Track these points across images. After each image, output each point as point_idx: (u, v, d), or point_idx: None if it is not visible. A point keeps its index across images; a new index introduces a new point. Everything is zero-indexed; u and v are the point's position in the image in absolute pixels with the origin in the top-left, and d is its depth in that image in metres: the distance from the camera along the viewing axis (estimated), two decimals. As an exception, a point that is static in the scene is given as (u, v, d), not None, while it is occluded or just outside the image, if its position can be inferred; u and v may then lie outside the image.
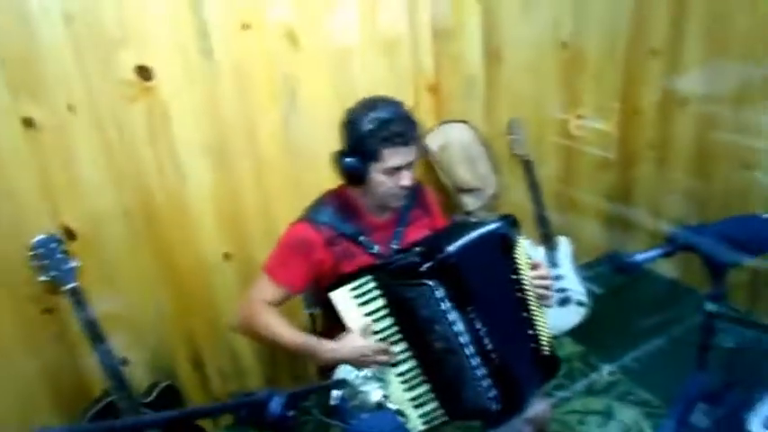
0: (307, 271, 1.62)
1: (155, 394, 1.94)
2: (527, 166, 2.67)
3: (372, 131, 1.52)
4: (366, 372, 1.28)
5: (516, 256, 1.52)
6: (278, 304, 1.66)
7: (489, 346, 1.46)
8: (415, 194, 1.75)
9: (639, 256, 1.57)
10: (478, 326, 1.45)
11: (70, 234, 1.89)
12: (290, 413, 0.92)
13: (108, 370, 1.79)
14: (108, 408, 1.83)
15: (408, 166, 1.57)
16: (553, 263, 2.67)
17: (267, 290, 1.64)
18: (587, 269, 2.97)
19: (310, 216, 1.65)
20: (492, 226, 1.51)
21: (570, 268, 2.72)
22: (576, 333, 2.71)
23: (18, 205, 1.79)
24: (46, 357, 1.94)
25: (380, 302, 1.54)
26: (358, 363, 1.47)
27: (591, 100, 2.88)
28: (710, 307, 1.55)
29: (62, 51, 1.74)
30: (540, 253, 2.64)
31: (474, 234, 1.48)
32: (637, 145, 3.03)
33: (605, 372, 2.48)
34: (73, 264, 1.75)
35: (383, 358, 1.50)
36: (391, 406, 1.25)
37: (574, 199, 3.05)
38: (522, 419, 1.57)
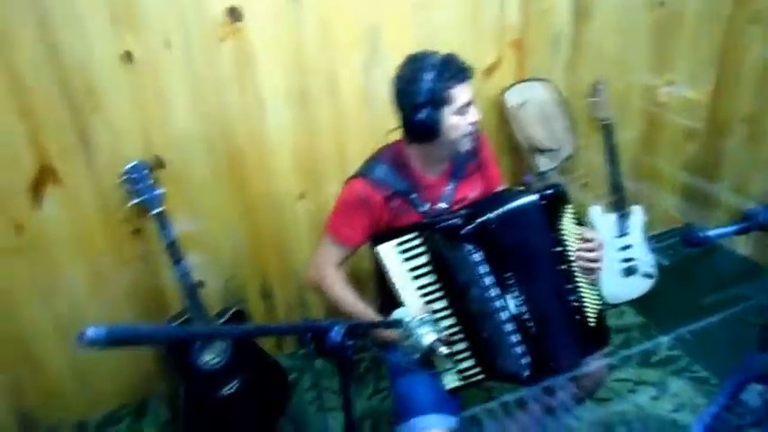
0: (368, 226, 1.65)
1: (227, 317, 2.09)
2: (606, 130, 2.59)
3: (437, 77, 1.51)
4: (423, 315, 1.34)
5: (562, 227, 1.52)
6: (344, 261, 1.72)
7: (526, 315, 1.49)
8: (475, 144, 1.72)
9: (712, 232, 1.53)
10: (516, 293, 1.48)
11: (160, 163, 2.03)
12: (349, 342, 1.00)
13: (186, 290, 1.94)
14: (184, 324, 1.99)
15: (472, 102, 1.58)
16: (623, 231, 2.62)
17: (332, 250, 1.69)
18: (658, 240, 2.90)
19: (367, 173, 1.65)
20: (533, 197, 1.49)
21: (640, 238, 2.67)
22: (638, 303, 2.68)
23: (116, 134, 1.94)
24: (131, 274, 2.14)
25: (424, 259, 1.55)
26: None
27: (684, 65, 2.74)
28: (781, 289, 1.51)
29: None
30: (610, 220, 2.60)
31: (517, 203, 1.49)
32: (728, 117, 2.87)
33: (664, 345, 2.44)
34: (160, 190, 1.90)
35: None
36: (443, 350, 1.31)
37: (653, 167, 2.95)
38: (568, 378, 1.59)
